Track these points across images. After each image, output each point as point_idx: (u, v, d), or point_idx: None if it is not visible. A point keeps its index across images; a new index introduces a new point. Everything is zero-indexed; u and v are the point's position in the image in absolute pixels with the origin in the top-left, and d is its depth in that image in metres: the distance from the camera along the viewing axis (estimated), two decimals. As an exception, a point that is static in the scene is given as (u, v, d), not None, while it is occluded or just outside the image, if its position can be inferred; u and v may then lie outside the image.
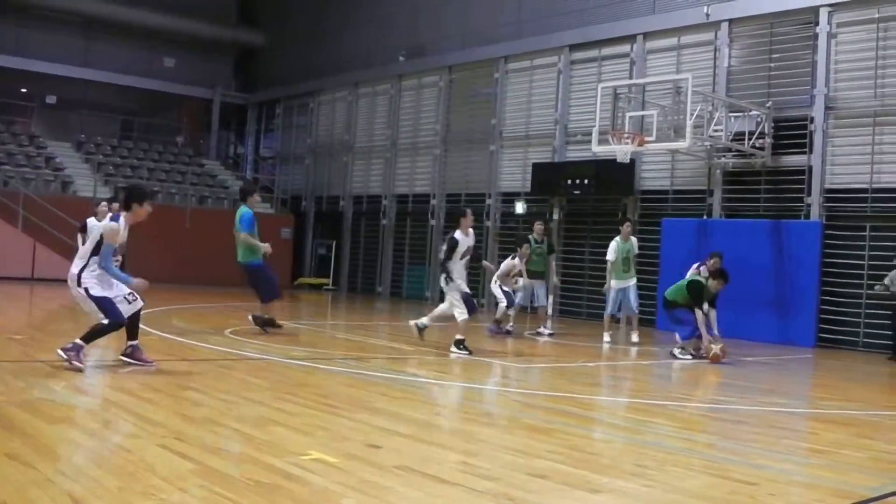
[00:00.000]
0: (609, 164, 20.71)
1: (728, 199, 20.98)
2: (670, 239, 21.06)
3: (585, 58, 24.39)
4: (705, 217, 20.96)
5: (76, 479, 5.04)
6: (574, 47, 24.59)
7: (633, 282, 16.57)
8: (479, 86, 27.60)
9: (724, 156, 20.75)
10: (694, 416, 9.23)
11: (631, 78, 22.46)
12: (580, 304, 23.64)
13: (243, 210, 14.34)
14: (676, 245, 20.42)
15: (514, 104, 26.28)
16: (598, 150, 19.83)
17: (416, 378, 10.44)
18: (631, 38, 23.16)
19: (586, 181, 22.87)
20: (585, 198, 23.61)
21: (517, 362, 13.23)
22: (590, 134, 20.52)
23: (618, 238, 16.52)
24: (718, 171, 21.00)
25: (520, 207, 25.26)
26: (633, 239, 16.82)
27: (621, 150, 18.93)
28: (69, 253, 25.45)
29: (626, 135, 19.00)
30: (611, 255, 16.38)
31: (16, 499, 4.58)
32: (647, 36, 22.87)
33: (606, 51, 23.84)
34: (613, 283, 16.42)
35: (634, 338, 16.65)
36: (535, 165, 24.63)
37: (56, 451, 5.68)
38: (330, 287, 31.60)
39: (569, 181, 23.26)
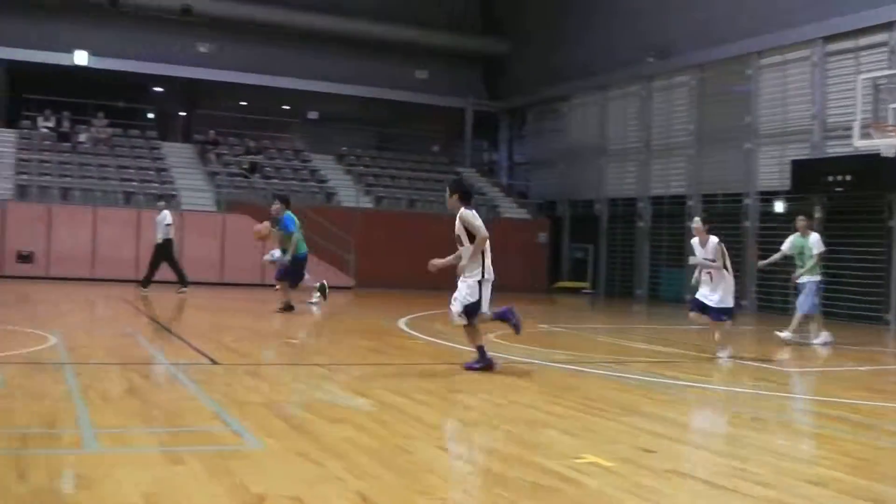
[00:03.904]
0: (873, 159, 19.71)
1: None
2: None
3: (841, 49, 23.36)
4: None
5: (361, 477, 5.28)
6: (828, 39, 23.59)
7: (806, 279, 15.45)
8: (731, 83, 26.93)
9: None
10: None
11: (891, 68, 21.31)
12: (841, 304, 22.53)
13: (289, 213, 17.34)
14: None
15: (769, 100, 25.46)
16: (859, 144, 18.97)
17: (678, 382, 10.31)
18: (888, 26, 21.96)
19: (848, 177, 21.84)
20: (848, 195, 22.56)
21: (775, 365, 12.83)
22: (850, 128, 19.64)
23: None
24: None
25: (780, 206, 24.47)
26: (814, 235, 15.64)
27: (886, 144, 18.05)
28: (336, 261, 26.68)
29: (890, 127, 18.12)
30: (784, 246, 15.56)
31: (309, 495, 4.86)
32: (907, 22, 21.63)
33: (863, 40, 22.73)
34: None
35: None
36: (794, 162, 23.76)
37: (340, 450, 5.95)
38: (589, 290, 31.56)
39: (830, 178, 22.30)
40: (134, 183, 28.06)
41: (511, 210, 33.23)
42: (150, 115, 36.19)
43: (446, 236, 29.44)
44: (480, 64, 39.07)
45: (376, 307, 21.19)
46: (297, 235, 17.16)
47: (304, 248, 17.48)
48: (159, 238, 21.43)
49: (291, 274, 17.38)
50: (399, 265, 28.00)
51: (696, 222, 12.56)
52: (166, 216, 21.50)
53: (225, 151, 31.62)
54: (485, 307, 10.05)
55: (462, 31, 37.38)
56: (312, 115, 37.38)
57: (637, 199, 30.26)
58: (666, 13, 29.37)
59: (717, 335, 12.42)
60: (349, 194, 30.60)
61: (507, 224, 31.32)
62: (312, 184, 31.05)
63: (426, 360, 11.07)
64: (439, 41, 36.78)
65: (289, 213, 17.24)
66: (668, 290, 28.62)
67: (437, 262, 10.53)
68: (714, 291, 12.21)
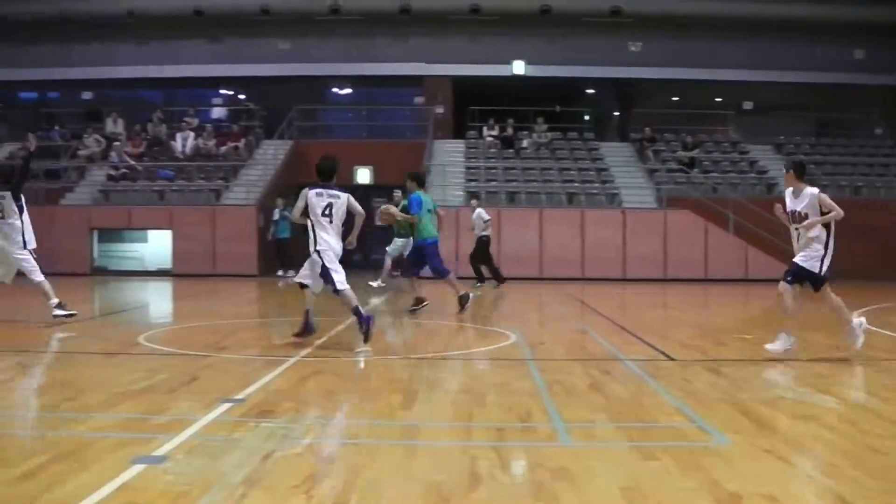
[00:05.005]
0: None
1: None
2: None
3: None
4: None
5: (835, 477, 5.20)
6: None
7: None
8: None
9: None
10: None
11: None
12: None
13: (417, 194, 15.27)
14: None
15: None
16: None
17: None
18: None
19: None
20: None
21: None
22: None
23: None
24: None
25: None
26: None
27: None
28: (779, 253, 25.94)
29: None
30: None
31: (784, 494, 4.86)
32: None
33: None
34: None
35: None
36: None
37: (809, 448, 5.88)
38: None
39: None
40: (575, 184, 28.95)
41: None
42: (586, 117, 37.10)
43: (896, 223, 27.69)
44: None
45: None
46: (423, 218, 15.13)
47: (427, 234, 15.20)
48: (486, 233, 22.30)
49: (409, 261, 15.98)
50: (846, 255, 26.78)
51: (785, 170, 10.52)
52: (482, 213, 22.30)
53: (662, 148, 31.79)
54: (300, 277, 10.77)
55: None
56: (747, 105, 36.61)
57: None
58: None
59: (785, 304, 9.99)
60: (789, 184, 29.66)
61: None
62: (751, 175, 30.44)
63: (890, 356, 10.56)
64: (876, 17, 34.62)
65: (418, 193, 15.25)
66: None
67: None
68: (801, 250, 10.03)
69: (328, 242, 10.55)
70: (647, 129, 32.28)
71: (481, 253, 22.45)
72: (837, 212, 9.86)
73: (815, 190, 10.03)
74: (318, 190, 10.71)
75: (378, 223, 16.15)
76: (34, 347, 10.56)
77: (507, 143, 31.80)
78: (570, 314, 17.24)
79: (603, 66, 34.35)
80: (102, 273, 27.21)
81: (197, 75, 34.77)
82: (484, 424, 6.64)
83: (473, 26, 33.88)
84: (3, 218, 12.87)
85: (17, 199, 12.88)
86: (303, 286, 10.80)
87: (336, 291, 10.64)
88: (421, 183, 15.63)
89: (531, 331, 13.39)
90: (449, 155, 31.11)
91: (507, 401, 7.46)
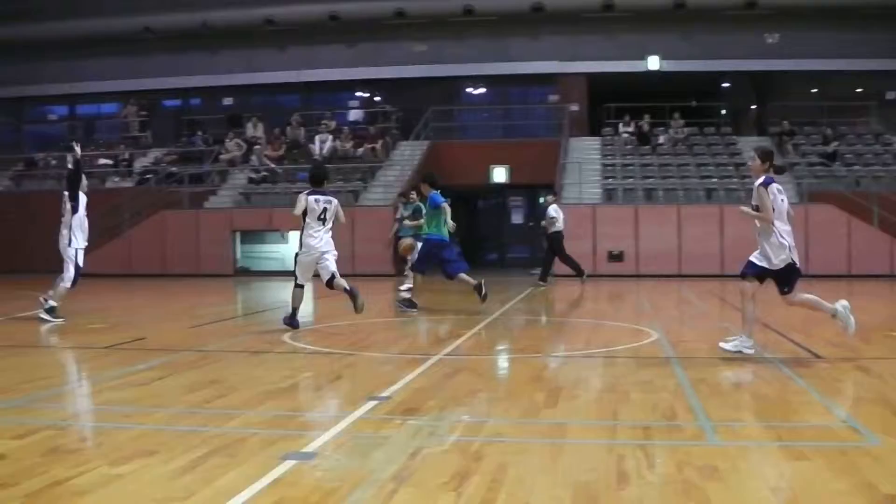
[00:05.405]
0: None
1: None
2: None
3: None
4: None
5: None
6: None
7: None
8: None
9: None
10: None
11: None
12: None
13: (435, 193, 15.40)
14: None
15: None
16: None
17: None
18: None
19: None
20: None
21: None
22: None
23: None
24: None
25: None
26: None
27: None
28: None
29: None
30: None
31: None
32: None
33: None
34: None
35: None
36: None
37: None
38: None
39: None
40: (714, 179, 28.48)
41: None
42: (723, 111, 36.48)
43: None
44: None
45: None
46: (426, 217, 15.63)
47: (437, 232, 15.22)
48: (557, 229, 22.26)
49: (419, 258, 15.89)
50: None
51: (752, 158, 9.92)
52: (550, 210, 22.33)
53: (801, 141, 31.07)
54: (299, 277, 12.36)
55: None
56: (890, 95, 35.41)
57: None
58: None
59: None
60: (941, 176, 28.61)
61: None
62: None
63: None
64: None
65: (436, 192, 15.25)
66: None
67: None
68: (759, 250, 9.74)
69: (324, 240, 12.31)
70: (785, 122, 31.59)
71: (556, 247, 22.54)
72: (764, 217, 9.55)
73: (758, 181, 9.68)
74: (316, 196, 12.11)
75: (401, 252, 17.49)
76: (181, 347, 10.87)
77: (643, 139, 31.49)
78: (710, 311, 17.00)
79: (739, 60, 33.87)
80: (245, 274, 27.91)
81: (334, 79, 35.55)
82: (629, 423, 6.60)
83: (607, 23, 33.72)
84: (63, 215, 13.84)
85: (72, 200, 13.74)
86: (298, 285, 12.29)
87: (329, 282, 12.42)
88: (433, 184, 15.43)
89: (672, 328, 13.26)
90: (585, 152, 30.98)
91: (651, 399, 7.41)
